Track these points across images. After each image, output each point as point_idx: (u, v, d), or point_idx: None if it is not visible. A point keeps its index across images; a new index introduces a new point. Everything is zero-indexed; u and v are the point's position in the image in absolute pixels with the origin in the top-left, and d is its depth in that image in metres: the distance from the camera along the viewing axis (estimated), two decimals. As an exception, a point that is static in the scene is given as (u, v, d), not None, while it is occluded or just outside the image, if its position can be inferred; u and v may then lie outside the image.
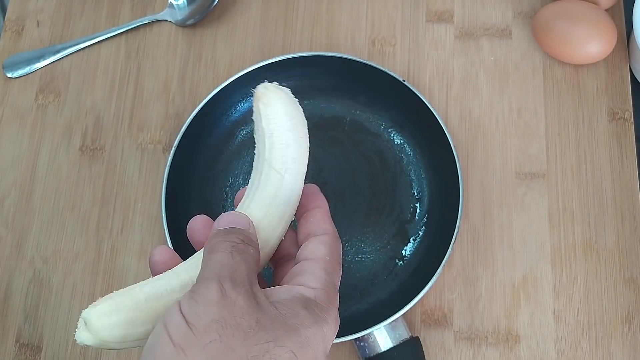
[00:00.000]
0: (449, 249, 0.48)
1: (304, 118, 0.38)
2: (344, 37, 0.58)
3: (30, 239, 0.55)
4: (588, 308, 0.50)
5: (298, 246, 0.35)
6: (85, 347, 0.52)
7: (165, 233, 0.50)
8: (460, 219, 0.49)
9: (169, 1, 0.60)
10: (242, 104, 0.56)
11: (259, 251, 0.32)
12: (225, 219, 0.32)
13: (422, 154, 0.54)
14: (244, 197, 0.36)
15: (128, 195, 0.55)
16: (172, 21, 0.60)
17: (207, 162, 0.55)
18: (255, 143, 0.36)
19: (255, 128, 0.37)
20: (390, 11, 0.59)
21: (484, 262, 0.51)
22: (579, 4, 0.54)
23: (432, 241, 0.51)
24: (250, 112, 0.57)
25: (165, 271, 0.34)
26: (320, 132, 0.55)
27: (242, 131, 0.56)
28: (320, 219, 0.35)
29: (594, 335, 0.49)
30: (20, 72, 0.60)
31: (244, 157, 0.55)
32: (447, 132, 0.51)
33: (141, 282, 0.33)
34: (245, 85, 0.55)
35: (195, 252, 0.35)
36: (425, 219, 0.52)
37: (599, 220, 0.52)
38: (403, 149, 0.54)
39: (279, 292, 0.31)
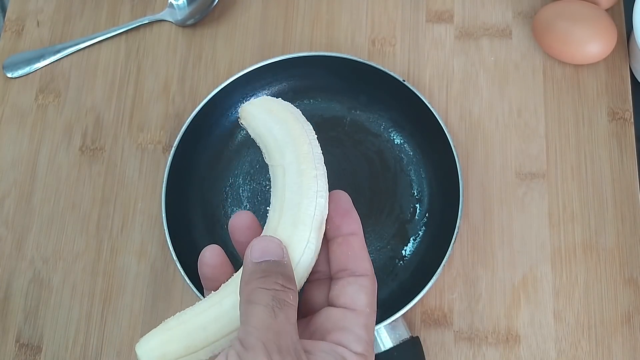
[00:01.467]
0: (449, 249, 0.48)
1: (292, 108, 0.37)
2: (344, 37, 0.58)
3: (30, 239, 0.55)
4: (588, 308, 0.50)
5: (328, 264, 0.34)
6: (85, 348, 0.52)
7: (165, 233, 0.50)
8: (460, 219, 0.49)
9: (169, 1, 0.60)
10: (242, 104, 0.56)
11: (297, 287, 0.32)
12: (258, 248, 0.31)
13: (422, 154, 0.54)
14: (269, 214, 0.35)
15: (128, 195, 0.55)
16: (172, 21, 0.60)
17: (207, 162, 0.55)
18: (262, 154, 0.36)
19: (261, 148, 0.36)
20: (390, 11, 0.59)
21: (484, 262, 0.51)
22: (579, 4, 0.54)
23: (432, 241, 0.51)
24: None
25: (214, 275, 0.34)
26: (320, 132, 0.54)
27: (242, 131, 0.56)
28: (359, 254, 0.34)
29: (594, 335, 0.49)
30: (20, 72, 0.60)
31: (244, 157, 0.55)
32: (447, 132, 0.51)
33: (186, 313, 0.33)
34: (245, 85, 0.55)
35: (234, 245, 0.36)
36: (425, 219, 0.52)
37: (599, 220, 0.52)
38: (403, 149, 0.54)
39: (321, 350, 0.31)
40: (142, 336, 0.34)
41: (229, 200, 0.54)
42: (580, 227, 0.52)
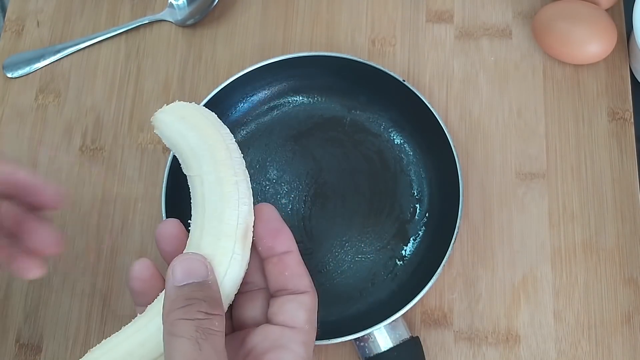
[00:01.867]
0: (449, 249, 0.48)
1: (206, 112, 0.35)
2: (344, 37, 0.58)
3: (30, 239, 0.55)
4: (588, 308, 0.50)
5: (263, 274, 0.34)
6: (85, 348, 0.52)
7: (165, 233, 0.50)
8: (460, 219, 0.49)
9: (169, 1, 0.60)
10: (242, 104, 0.56)
11: (224, 310, 0.30)
12: (180, 270, 0.29)
13: (422, 154, 0.54)
14: (191, 229, 0.33)
15: (128, 195, 0.55)
16: (172, 21, 0.60)
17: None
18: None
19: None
20: (390, 11, 0.59)
21: (484, 262, 0.51)
22: (579, 4, 0.54)
23: (432, 241, 0.51)
24: (249, 111, 0.58)
25: (144, 289, 0.33)
26: (320, 132, 0.55)
27: (242, 131, 0.56)
28: (296, 271, 0.33)
29: (594, 335, 0.49)
30: (20, 72, 0.60)
31: (244, 157, 0.55)
32: (447, 132, 0.51)
33: (111, 341, 0.32)
34: (245, 85, 0.55)
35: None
36: (425, 219, 0.52)
37: (599, 220, 0.52)
38: (403, 149, 0.54)
39: None
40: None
41: (229, 200, 0.54)
42: (580, 227, 0.52)
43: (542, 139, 0.54)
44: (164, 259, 0.34)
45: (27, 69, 0.60)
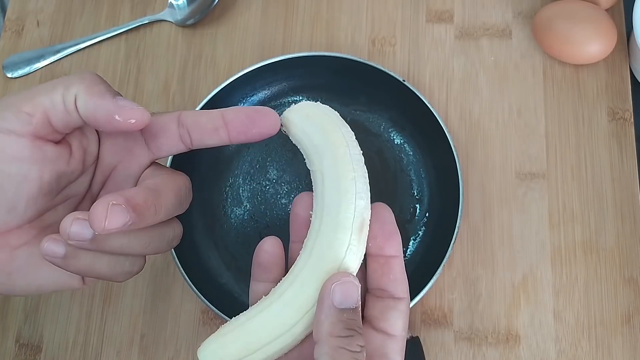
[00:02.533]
0: (449, 249, 0.48)
1: (330, 111, 0.38)
2: (344, 37, 0.58)
3: (30, 239, 0.55)
4: (588, 308, 0.50)
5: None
6: (85, 348, 0.52)
7: (165, 233, 0.50)
8: (460, 219, 0.49)
9: (169, 1, 0.60)
10: (242, 104, 0.56)
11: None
12: (339, 293, 0.33)
13: (422, 154, 0.54)
14: (312, 220, 0.36)
15: (128, 195, 0.55)
16: (172, 21, 0.60)
17: (207, 162, 0.55)
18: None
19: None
20: (390, 11, 0.59)
21: (484, 262, 0.51)
22: (579, 4, 0.54)
23: (432, 241, 0.51)
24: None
25: (268, 263, 0.36)
26: (320, 132, 0.55)
27: (242, 131, 0.56)
28: (399, 277, 0.36)
29: (594, 335, 0.49)
30: (20, 72, 0.60)
31: (244, 157, 0.55)
32: (447, 132, 0.51)
33: (239, 319, 0.35)
34: (245, 85, 0.55)
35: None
36: (425, 219, 0.52)
37: (599, 220, 0.52)
38: (403, 149, 0.54)
39: None
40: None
41: (229, 200, 0.54)
42: (580, 227, 0.52)
43: (542, 139, 0.54)
44: (291, 220, 0.38)
45: (27, 69, 0.60)
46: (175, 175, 0.37)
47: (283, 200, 0.54)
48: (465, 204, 0.52)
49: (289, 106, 0.56)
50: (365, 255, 0.36)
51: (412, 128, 0.54)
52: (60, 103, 0.34)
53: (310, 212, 0.37)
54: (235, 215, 0.54)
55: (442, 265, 0.48)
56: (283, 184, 0.54)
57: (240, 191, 0.54)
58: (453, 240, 0.49)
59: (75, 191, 0.37)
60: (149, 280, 0.53)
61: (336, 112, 0.38)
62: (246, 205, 0.54)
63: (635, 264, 0.50)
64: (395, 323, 0.35)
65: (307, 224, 0.37)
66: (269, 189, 0.54)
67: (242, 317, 0.35)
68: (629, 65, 0.55)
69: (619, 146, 0.53)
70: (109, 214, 0.30)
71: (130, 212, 0.31)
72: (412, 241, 0.52)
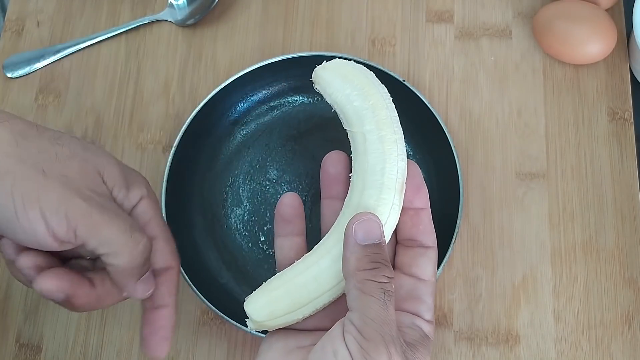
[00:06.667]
0: (449, 249, 0.48)
1: (367, 72, 0.38)
2: (344, 37, 0.58)
3: (30, 239, 0.55)
4: (588, 308, 0.50)
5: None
6: (85, 348, 0.52)
7: (165, 233, 0.50)
8: (460, 219, 0.49)
9: (169, 1, 0.60)
10: (242, 104, 0.56)
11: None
12: (361, 229, 0.34)
13: (422, 154, 0.54)
14: (352, 180, 0.37)
15: (128, 195, 0.55)
16: (172, 21, 0.60)
17: (207, 162, 0.55)
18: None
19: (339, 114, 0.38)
20: (390, 11, 0.59)
21: (484, 262, 0.51)
22: (579, 4, 0.54)
23: (432, 241, 0.51)
24: (249, 111, 0.58)
25: (290, 216, 0.38)
26: (320, 132, 0.55)
27: (241, 131, 0.56)
28: (428, 227, 0.38)
29: (594, 335, 0.49)
30: (20, 72, 0.60)
31: (244, 157, 0.55)
32: (447, 132, 0.51)
33: (286, 274, 0.37)
34: (245, 85, 0.55)
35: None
36: (425, 219, 0.52)
37: (599, 220, 0.52)
38: (403, 149, 0.54)
39: (405, 326, 0.35)
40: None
41: (229, 200, 0.54)
42: (580, 227, 0.52)
43: (542, 139, 0.54)
44: (322, 179, 0.40)
45: (27, 69, 0.60)
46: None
47: (283, 200, 0.54)
48: (465, 204, 0.52)
49: (289, 106, 0.56)
50: None
51: (411, 128, 0.54)
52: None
53: (342, 172, 0.39)
54: (235, 215, 0.54)
55: (442, 265, 0.48)
56: (283, 184, 0.54)
57: (240, 191, 0.54)
58: (453, 240, 0.49)
59: None
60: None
61: (372, 72, 0.38)
62: (246, 205, 0.54)
63: (635, 264, 0.50)
64: (426, 269, 0.36)
65: (338, 181, 0.39)
66: (269, 189, 0.54)
67: (289, 272, 0.36)
68: (629, 65, 0.55)
69: (619, 146, 0.53)
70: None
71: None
72: (412, 241, 0.52)
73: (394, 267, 0.37)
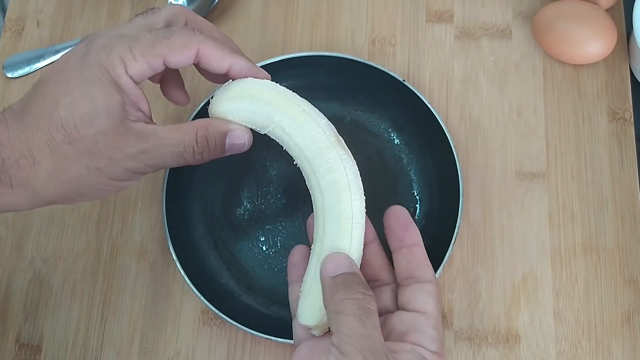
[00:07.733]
0: (449, 249, 0.48)
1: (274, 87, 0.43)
2: (344, 37, 0.58)
3: (30, 239, 0.55)
4: (588, 308, 0.50)
5: (389, 271, 0.39)
6: (85, 348, 0.52)
7: (165, 233, 0.50)
8: (460, 219, 0.49)
9: (169, 1, 0.60)
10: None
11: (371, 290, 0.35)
12: (331, 264, 0.36)
13: (422, 154, 0.54)
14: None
15: (128, 195, 0.55)
16: (172, 21, 0.60)
17: (207, 162, 0.55)
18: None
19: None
20: (390, 11, 0.59)
21: (484, 262, 0.51)
22: (579, 4, 0.54)
23: (432, 241, 0.51)
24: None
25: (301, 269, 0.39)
26: (320, 132, 0.55)
27: (242, 131, 0.56)
28: (422, 262, 0.38)
29: (594, 335, 0.49)
30: (20, 72, 0.60)
31: (244, 156, 0.55)
32: (447, 132, 0.51)
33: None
34: (245, 85, 0.55)
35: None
36: (425, 220, 0.52)
37: (599, 220, 0.52)
38: (403, 149, 0.54)
39: (404, 350, 0.35)
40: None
41: (229, 200, 0.54)
42: (580, 227, 0.52)
43: (542, 139, 0.54)
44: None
45: (27, 69, 0.60)
46: None
47: (283, 201, 0.54)
48: (465, 204, 0.52)
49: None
50: (390, 254, 0.39)
51: (412, 128, 0.54)
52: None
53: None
54: (235, 215, 0.54)
55: (442, 265, 0.48)
56: (283, 184, 0.54)
57: (240, 191, 0.54)
58: (453, 240, 0.49)
59: None
60: (149, 280, 0.53)
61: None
62: (246, 205, 0.54)
63: (635, 264, 0.50)
64: (425, 302, 0.37)
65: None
66: (269, 189, 0.54)
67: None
68: (629, 65, 0.55)
69: (619, 146, 0.53)
70: None
71: None
72: (412, 241, 0.52)
73: (397, 308, 0.38)
